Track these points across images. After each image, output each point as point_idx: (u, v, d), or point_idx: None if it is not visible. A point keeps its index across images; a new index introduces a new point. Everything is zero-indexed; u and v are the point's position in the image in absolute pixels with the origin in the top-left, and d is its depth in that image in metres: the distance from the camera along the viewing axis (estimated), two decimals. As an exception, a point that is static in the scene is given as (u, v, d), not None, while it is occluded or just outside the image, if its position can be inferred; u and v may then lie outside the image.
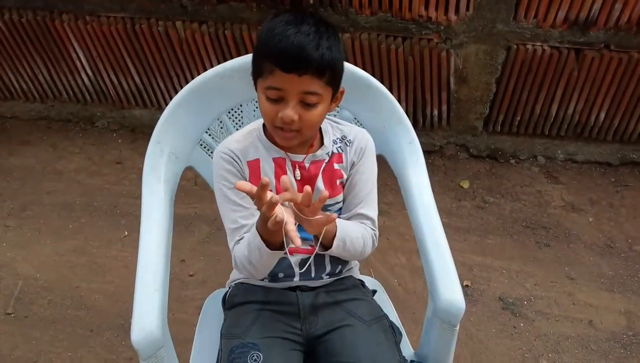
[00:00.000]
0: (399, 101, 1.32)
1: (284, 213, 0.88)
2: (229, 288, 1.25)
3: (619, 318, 1.92)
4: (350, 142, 1.16)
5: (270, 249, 0.97)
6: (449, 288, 1.07)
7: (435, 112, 2.47)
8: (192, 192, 2.29)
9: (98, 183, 2.41)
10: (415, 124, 1.39)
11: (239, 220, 1.10)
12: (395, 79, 2.33)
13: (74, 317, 1.90)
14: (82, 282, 2.02)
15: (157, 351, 1.00)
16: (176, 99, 1.23)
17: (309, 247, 1.15)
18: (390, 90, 1.29)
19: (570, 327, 1.89)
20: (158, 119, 1.22)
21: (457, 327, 1.09)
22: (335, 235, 1.06)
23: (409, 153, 1.28)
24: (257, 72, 1.00)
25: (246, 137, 1.13)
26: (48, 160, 2.55)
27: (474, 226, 2.25)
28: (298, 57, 0.92)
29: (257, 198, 0.86)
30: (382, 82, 1.29)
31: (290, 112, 0.96)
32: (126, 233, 2.20)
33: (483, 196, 2.38)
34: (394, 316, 1.28)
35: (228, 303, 1.22)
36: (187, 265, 2.07)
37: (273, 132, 1.05)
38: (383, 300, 1.32)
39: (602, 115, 2.40)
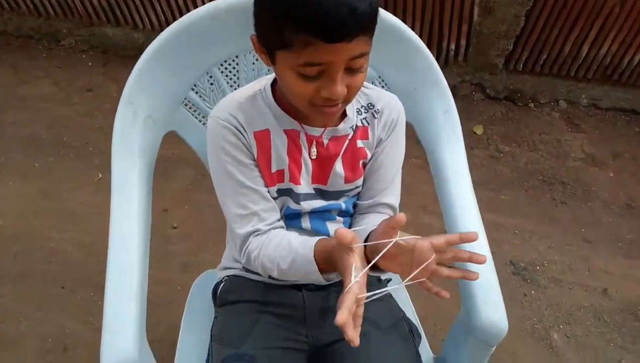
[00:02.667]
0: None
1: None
2: (222, 280, 1.05)
3: (636, 288, 1.80)
4: (378, 113, 0.91)
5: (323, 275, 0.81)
6: (490, 306, 0.89)
7: (453, 46, 2.18)
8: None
9: (67, 114, 2.12)
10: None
11: (249, 205, 0.88)
12: (410, 7, 2.00)
13: (45, 271, 1.71)
14: (52, 231, 1.81)
15: (134, 375, 0.82)
16: (153, 47, 0.95)
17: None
18: (404, 20, 1.02)
19: (584, 296, 1.77)
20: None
21: (494, 347, 0.92)
22: None
23: (444, 124, 1.05)
24: (279, 42, 0.71)
25: (250, 101, 0.87)
26: (8, 84, 2.23)
27: (487, 179, 2.05)
28: (349, 19, 0.65)
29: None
30: (394, 12, 1.01)
31: (339, 88, 0.72)
32: (100, 175, 1.96)
33: (497, 144, 2.17)
34: (410, 310, 1.12)
35: (220, 299, 1.03)
36: (170, 215, 1.86)
37: (309, 110, 0.79)
38: (399, 291, 1.15)
39: (638, 58, 2.14)
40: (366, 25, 0.69)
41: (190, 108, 1.04)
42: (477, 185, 0.99)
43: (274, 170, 0.88)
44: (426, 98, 1.05)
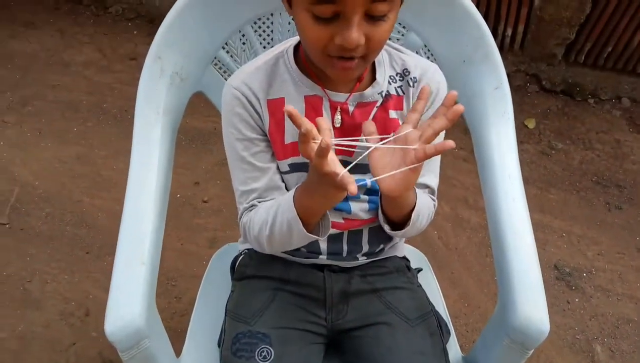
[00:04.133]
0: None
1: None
2: (241, 254, 1.00)
3: (693, 305, 1.65)
4: (414, 81, 0.82)
5: (307, 230, 0.74)
6: (531, 304, 0.79)
7: (509, 31, 2.04)
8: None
9: (108, 82, 2.12)
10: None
11: (249, 182, 0.83)
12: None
13: (73, 235, 1.71)
14: (84, 195, 1.81)
15: (138, 342, 0.77)
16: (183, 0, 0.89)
17: (342, 221, 0.88)
18: None
19: (633, 309, 1.63)
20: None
21: (532, 351, 0.83)
22: (414, 207, 0.79)
23: (493, 102, 0.95)
24: None
25: (270, 66, 0.80)
26: (54, 48, 2.25)
27: (534, 176, 1.92)
28: None
29: (303, 141, 0.62)
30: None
31: (355, 34, 0.64)
32: (136, 144, 1.95)
33: (550, 140, 2.03)
34: (441, 305, 1.03)
35: (237, 273, 0.98)
36: (201, 189, 1.83)
37: (323, 63, 0.71)
38: (429, 282, 1.07)
39: None
40: None
41: (220, 68, 0.98)
42: (525, 182, 0.90)
43: (287, 141, 0.81)
44: (475, 72, 0.95)
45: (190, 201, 1.79)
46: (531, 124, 2.06)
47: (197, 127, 1.90)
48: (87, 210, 1.77)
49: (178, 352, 0.94)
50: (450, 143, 0.62)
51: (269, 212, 0.78)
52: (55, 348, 1.44)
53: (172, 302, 1.55)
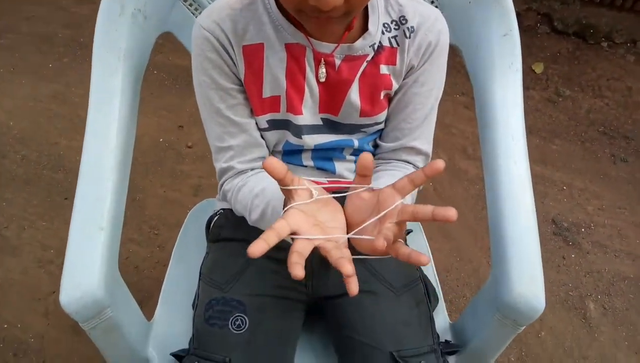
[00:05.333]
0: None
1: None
2: (217, 214, 0.92)
3: (691, 264, 1.60)
4: (411, 31, 0.71)
5: None
6: (526, 279, 0.72)
7: (521, -35, 1.87)
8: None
9: (86, 14, 1.97)
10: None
11: (225, 137, 0.74)
12: None
13: (51, 179, 1.63)
14: (61, 137, 1.71)
15: (99, 313, 0.71)
16: None
17: (325, 182, 0.80)
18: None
19: (629, 266, 1.59)
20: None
21: (524, 327, 0.77)
22: None
23: (500, 51, 0.84)
24: None
25: (246, 6, 0.69)
26: (27, -25, 2.07)
27: (538, 125, 1.82)
28: None
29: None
30: None
31: None
32: (116, 82, 1.83)
33: (557, 86, 1.91)
34: (430, 269, 0.97)
35: (212, 235, 0.91)
36: (186, 133, 1.73)
37: (298, 17, 0.60)
38: (420, 244, 1.00)
39: None
40: None
41: (190, 5, 0.86)
42: (527, 131, 0.81)
43: (266, 95, 0.72)
44: (482, 16, 0.83)
45: (173, 146, 1.70)
46: (539, 68, 1.93)
47: (181, 65, 1.77)
48: (65, 153, 1.68)
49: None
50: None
51: (254, 204, 0.72)
52: (34, 296, 1.40)
53: (155, 251, 1.50)
